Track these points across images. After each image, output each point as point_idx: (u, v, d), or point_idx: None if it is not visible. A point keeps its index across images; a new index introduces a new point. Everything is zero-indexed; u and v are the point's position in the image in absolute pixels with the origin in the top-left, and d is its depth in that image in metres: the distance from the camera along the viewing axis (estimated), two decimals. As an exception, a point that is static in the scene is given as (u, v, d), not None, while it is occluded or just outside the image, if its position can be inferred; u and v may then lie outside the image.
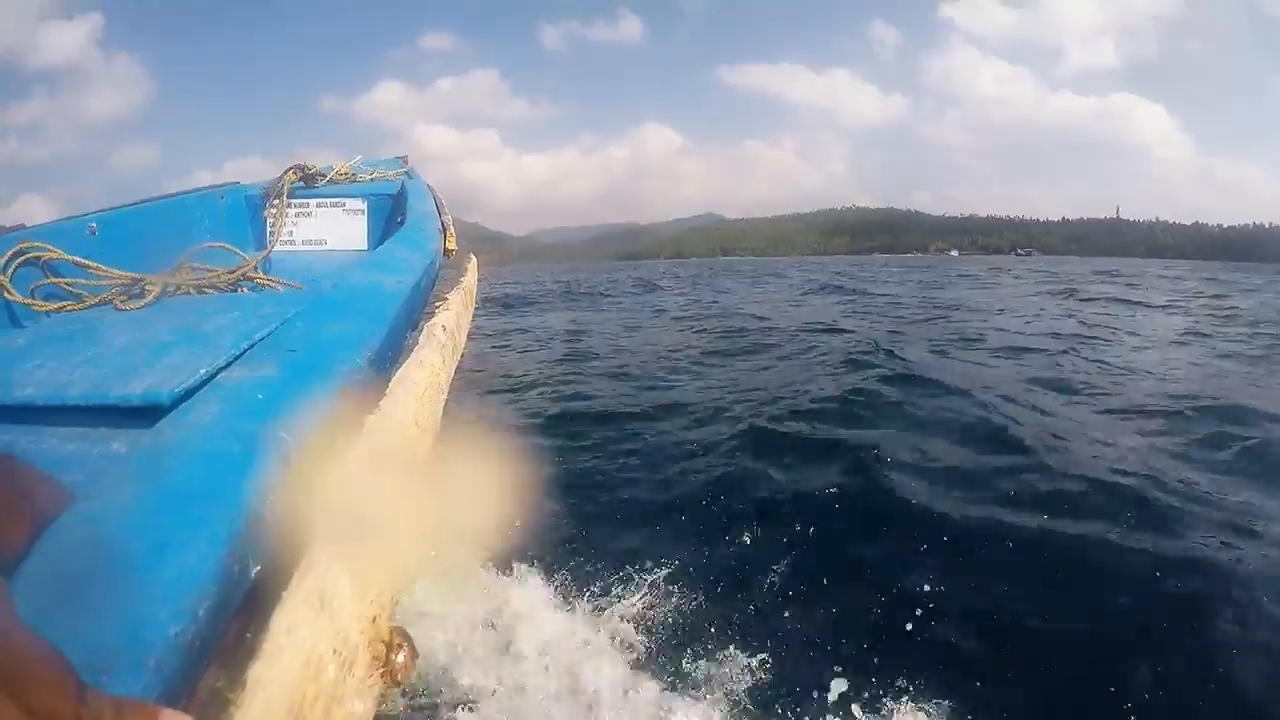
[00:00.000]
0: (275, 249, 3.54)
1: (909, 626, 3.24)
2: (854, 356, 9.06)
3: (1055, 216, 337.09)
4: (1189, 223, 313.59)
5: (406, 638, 1.04)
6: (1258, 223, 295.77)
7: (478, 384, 8.01)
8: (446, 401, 2.00)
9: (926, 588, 3.47)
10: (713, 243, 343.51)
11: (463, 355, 2.44)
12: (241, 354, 1.54)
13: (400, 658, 1.01)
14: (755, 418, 6.24)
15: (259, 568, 0.97)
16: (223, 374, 1.39)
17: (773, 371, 8.98)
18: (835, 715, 2.75)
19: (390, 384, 1.51)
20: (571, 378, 8.62)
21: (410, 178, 4.66)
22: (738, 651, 3.04)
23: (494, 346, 11.00)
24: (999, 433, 5.97)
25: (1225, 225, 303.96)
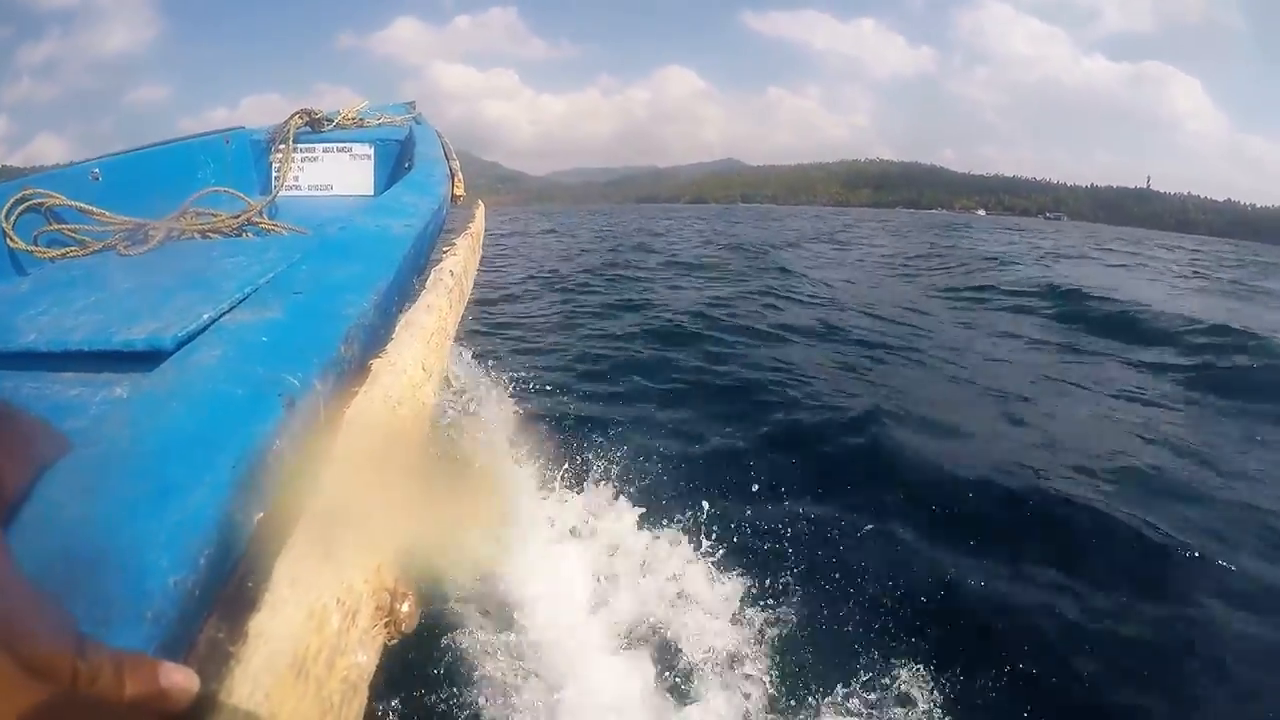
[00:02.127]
0: (281, 194, 3.57)
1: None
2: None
3: (1083, 182, 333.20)
4: (1221, 199, 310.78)
5: (411, 587, 1.04)
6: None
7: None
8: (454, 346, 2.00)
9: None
10: (733, 189, 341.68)
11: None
12: (246, 298, 1.52)
13: (405, 607, 1.00)
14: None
15: (261, 515, 0.96)
16: (226, 317, 1.38)
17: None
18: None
19: (397, 328, 1.52)
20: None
21: (418, 123, 4.66)
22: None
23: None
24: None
25: (1259, 205, 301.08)
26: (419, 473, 1.30)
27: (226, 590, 0.87)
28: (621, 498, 4.34)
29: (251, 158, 4.06)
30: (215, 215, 2.76)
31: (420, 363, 1.48)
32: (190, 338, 1.38)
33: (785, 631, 3.42)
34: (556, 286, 12.96)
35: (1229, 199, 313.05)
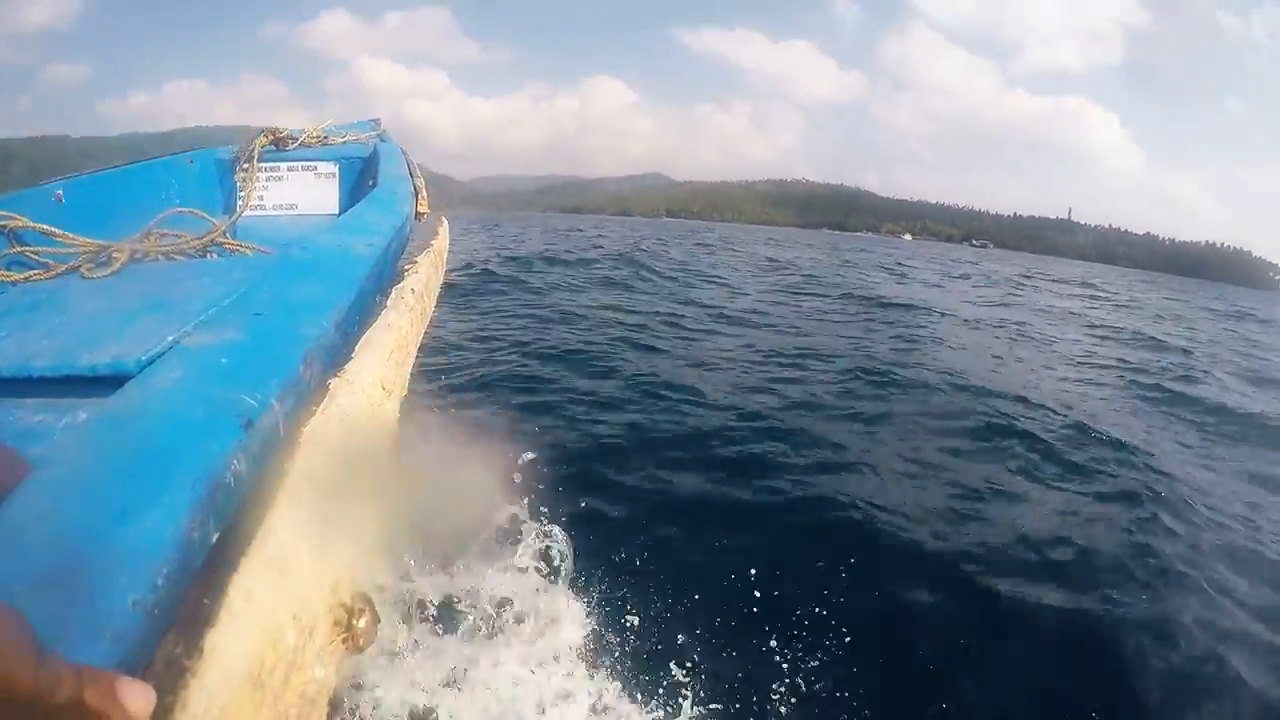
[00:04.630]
0: (245, 213, 3.60)
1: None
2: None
3: (1004, 211, 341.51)
4: (1141, 233, 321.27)
5: (368, 603, 1.06)
6: (1209, 241, 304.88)
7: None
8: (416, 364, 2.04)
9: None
10: (658, 203, 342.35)
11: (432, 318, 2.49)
12: (208, 319, 1.55)
13: (362, 623, 1.03)
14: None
15: (218, 534, 0.98)
16: (188, 339, 1.39)
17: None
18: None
19: (357, 347, 1.55)
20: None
21: (382, 140, 4.68)
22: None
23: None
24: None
25: (1177, 240, 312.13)
26: (379, 491, 1.31)
27: (185, 607, 0.89)
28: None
29: (216, 177, 4.06)
30: (179, 236, 2.80)
31: (380, 381, 1.53)
32: (152, 360, 1.39)
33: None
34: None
35: (1149, 233, 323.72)
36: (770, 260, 26.42)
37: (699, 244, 32.79)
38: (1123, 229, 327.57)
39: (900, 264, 34.50)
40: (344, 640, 1.00)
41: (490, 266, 14.71)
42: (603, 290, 13.06)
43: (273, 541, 0.94)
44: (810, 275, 20.85)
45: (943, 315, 14.67)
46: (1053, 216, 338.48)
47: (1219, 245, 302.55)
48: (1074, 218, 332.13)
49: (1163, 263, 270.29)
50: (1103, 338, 15.19)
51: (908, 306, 15.15)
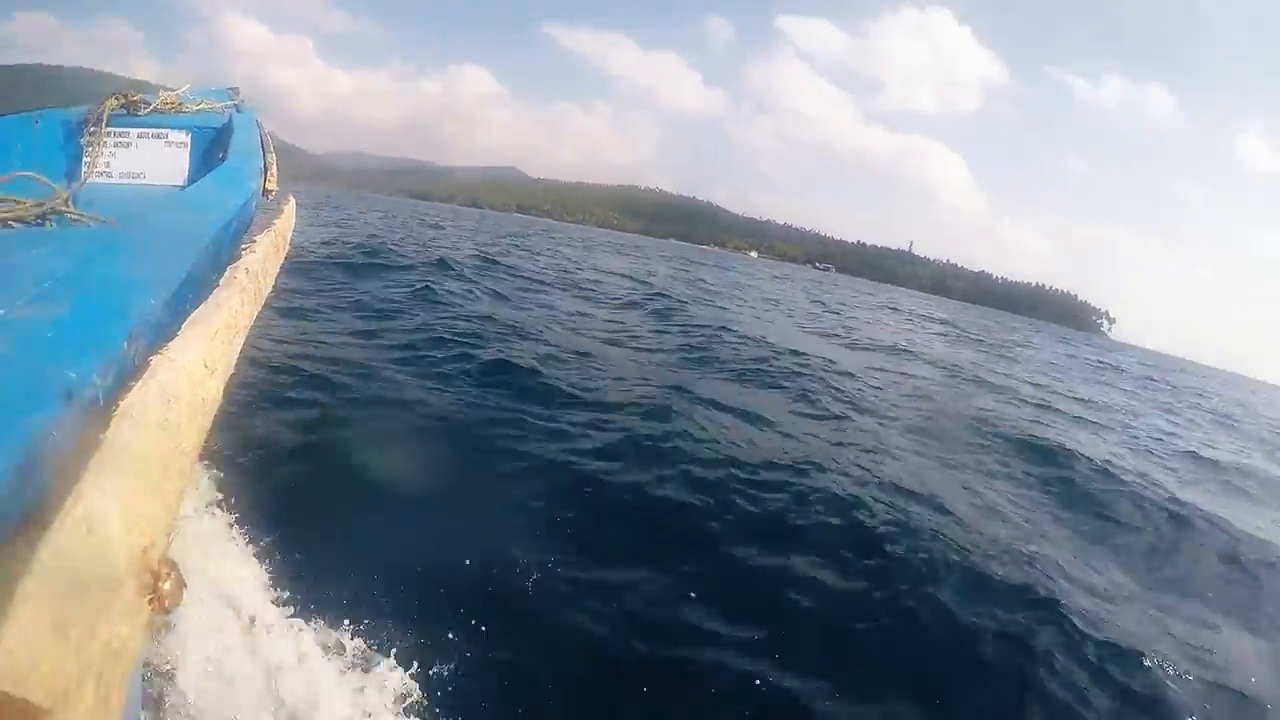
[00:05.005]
0: (90, 181, 3.44)
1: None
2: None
3: (849, 238, 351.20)
4: (976, 270, 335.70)
5: (174, 567, 1.11)
6: (1039, 283, 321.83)
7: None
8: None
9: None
10: (511, 197, 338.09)
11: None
12: (38, 292, 1.53)
13: (167, 585, 1.08)
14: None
15: (33, 499, 1.02)
16: (15, 312, 1.41)
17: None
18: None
19: (185, 325, 1.53)
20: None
21: (239, 111, 4.55)
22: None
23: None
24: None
25: (1008, 279, 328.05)
26: (188, 464, 1.34)
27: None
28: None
29: (62, 140, 3.89)
30: (18, 202, 2.64)
31: (203, 360, 1.47)
32: None
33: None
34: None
35: (983, 271, 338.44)
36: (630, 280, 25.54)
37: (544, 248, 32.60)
38: (959, 265, 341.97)
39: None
40: (150, 601, 1.05)
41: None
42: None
43: (84, 504, 0.99)
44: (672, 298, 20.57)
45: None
46: (895, 247, 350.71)
47: (1048, 288, 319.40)
48: (915, 250, 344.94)
49: (994, 299, 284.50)
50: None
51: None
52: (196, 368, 1.45)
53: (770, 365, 11.80)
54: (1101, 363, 40.29)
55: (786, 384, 10.68)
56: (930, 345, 24.61)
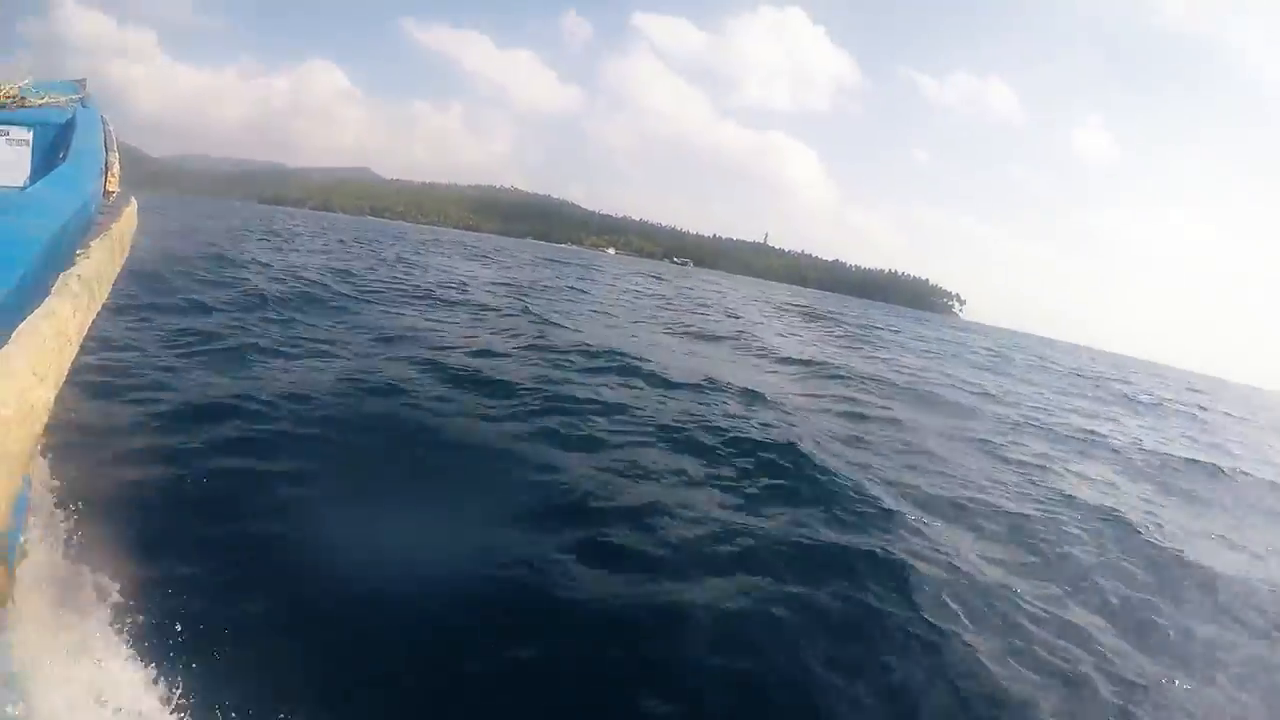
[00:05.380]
0: None
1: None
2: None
3: (705, 231, 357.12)
4: (830, 259, 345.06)
5: (3, 561, 0.99)
6: (892, 269, 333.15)
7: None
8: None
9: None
10: (364, 199, 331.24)
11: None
12: None
13: None
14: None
15: None
16: None
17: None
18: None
19: (14, 333, 1.51)
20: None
21: (84, 106, 4.26)
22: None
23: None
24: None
25: (861, 267, 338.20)
26: (12, 472, 1.31)
27: None
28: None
29: None
30: None
31: (32, 368, 1.45)
32: None
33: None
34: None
35: (837, 259, 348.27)
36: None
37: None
38: (813, 255, 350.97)
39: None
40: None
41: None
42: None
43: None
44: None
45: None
46: (750, 240, 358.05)
47: (900, 273, 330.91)
48: (770, 242, 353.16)
49: (848, 287, 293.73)
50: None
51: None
52: (26, 375, 1.46)
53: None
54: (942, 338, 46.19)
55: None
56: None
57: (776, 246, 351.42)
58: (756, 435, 8.96)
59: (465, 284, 23.14)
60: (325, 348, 10.35)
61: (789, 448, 8.51)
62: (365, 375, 8.94)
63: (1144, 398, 28.86)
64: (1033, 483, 9.73)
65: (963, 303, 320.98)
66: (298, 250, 27.16)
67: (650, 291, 35.83)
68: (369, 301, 15.63)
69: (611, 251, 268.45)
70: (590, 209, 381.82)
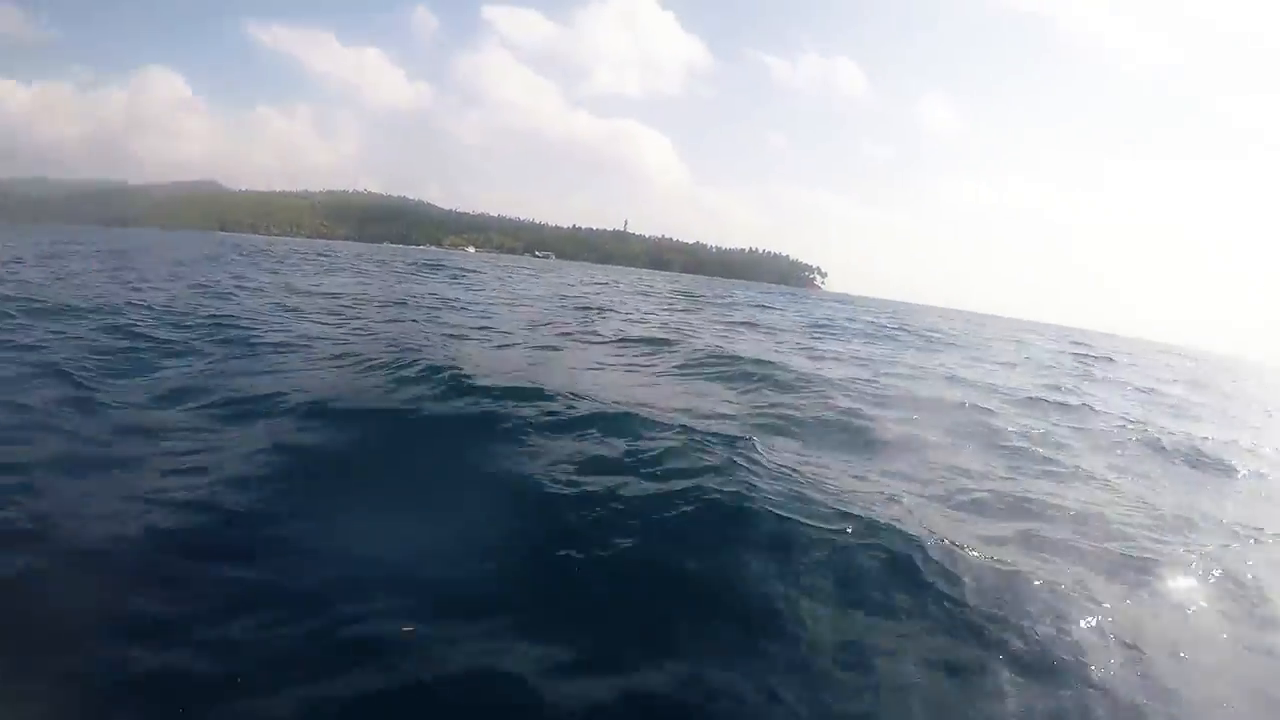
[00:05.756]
0: None
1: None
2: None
3: (564, 223, 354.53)
4: (691, 241, 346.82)
5: None
6: (753, 248, 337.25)
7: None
8: None
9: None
10: (211, 214, 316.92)
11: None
12: None
13: None
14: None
15: None
16: None
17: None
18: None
19: None
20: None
21: None
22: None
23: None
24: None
25: (722, 247, 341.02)
26: None
27: None
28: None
29: None
30: None
31: None
32: None
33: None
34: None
35: (698, 241, 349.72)
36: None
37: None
38: (674, 238, 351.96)
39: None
40: None
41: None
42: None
43: None
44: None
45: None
46: (610, 228, 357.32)
47: (760, 251, 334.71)
48: (630, 229, 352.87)
49: (711, 268, 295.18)
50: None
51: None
52: None
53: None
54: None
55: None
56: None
57: (636, 233, 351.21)
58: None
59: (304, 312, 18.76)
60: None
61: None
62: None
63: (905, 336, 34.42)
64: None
65: (824, 275, 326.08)
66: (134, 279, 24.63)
67: (534, 295, 34.71)
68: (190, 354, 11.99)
69: (472, 250, 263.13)
70: (448, 208, 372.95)
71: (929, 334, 36.68)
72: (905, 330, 36.83)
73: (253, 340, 12.99)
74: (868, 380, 15.76)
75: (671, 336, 19.04)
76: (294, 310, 18.71)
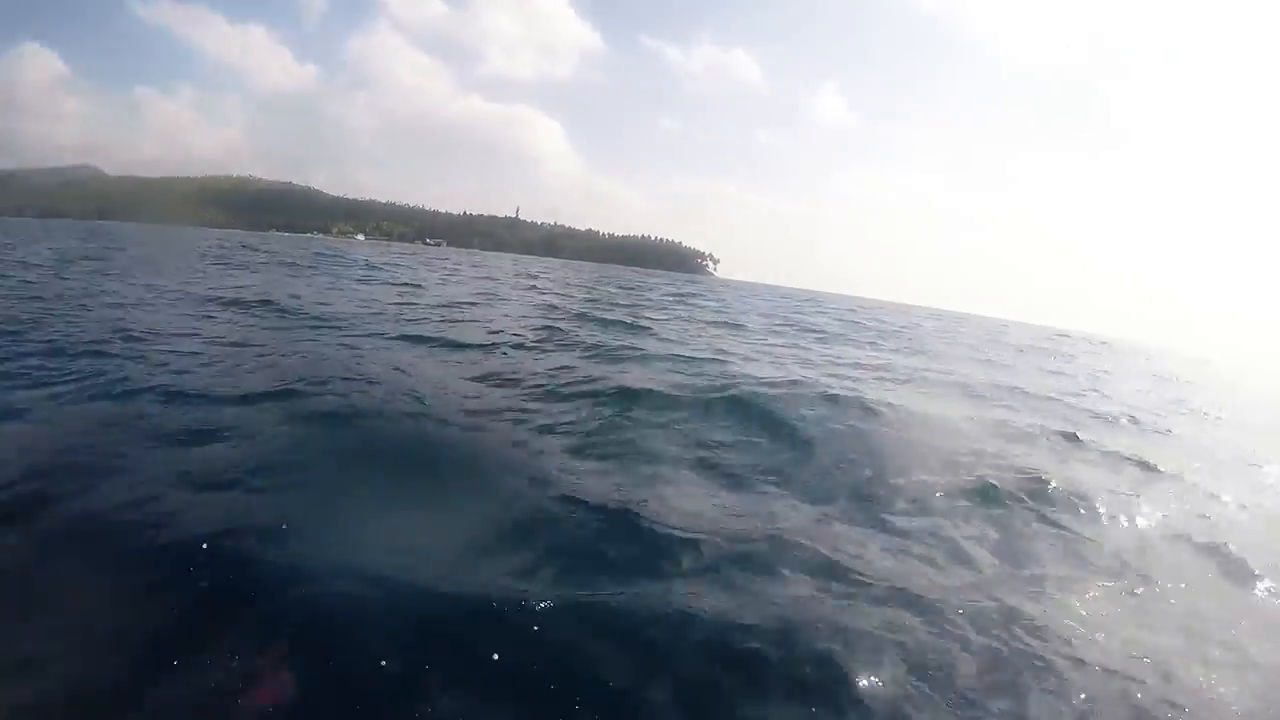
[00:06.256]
0: None
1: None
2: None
3: (456, 210, 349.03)
4: (583, 229, 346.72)
5: None
6: (645, 235, 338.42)
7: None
8: None
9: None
10: (90, 201, 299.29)
11: None
12: None
13: None
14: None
15: None
16: None
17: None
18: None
19: None
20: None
21: None
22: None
23: None
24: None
25: (615, 234, 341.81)
26: None
27: None
28: None
29: None
30: None
31: None
32: None
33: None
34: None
35: (589, 228, 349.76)
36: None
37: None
38: (567, 225, 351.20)
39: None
40: None
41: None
42: None
43: None
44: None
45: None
46: (502, 215, 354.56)
47: (654, 238, 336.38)
48: (522, 216, 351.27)
49: (603, 254, 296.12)
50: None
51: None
52: None
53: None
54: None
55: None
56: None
57: (529, 220, 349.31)
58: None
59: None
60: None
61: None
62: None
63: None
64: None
65: (716, 262, 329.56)
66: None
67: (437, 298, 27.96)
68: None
69: (361, 238, 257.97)
70: (336, 195, 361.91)
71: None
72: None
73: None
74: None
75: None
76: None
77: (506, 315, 22.41)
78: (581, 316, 24.07)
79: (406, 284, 31.90)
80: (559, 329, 18.93)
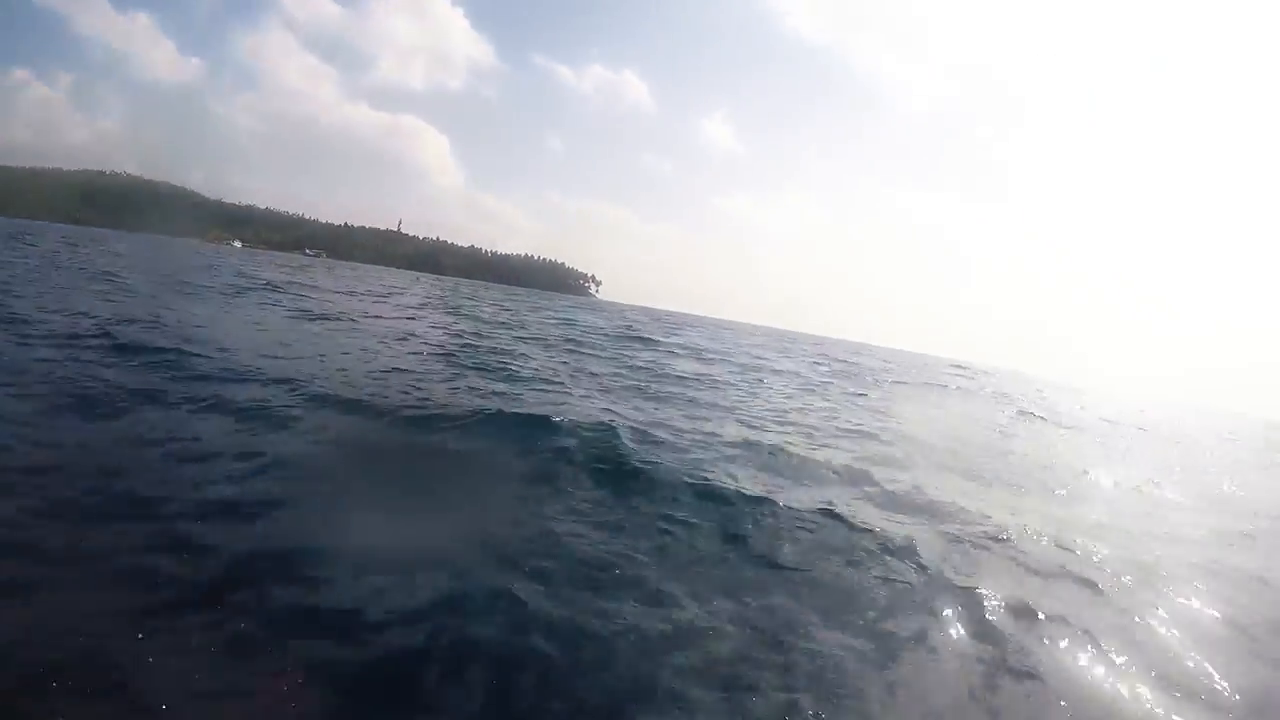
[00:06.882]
0: None
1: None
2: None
3: (336, 220, 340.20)
4: (466, 245, 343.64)
5: None
6: (529, 254, 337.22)
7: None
8: None
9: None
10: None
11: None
12: None
13: None
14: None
15: None
16: None
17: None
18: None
19: None
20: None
21: None
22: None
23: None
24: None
25: (498, 252, 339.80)
26: None
27: None
28: None
29: None
30: None
31: None
32: None
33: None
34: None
35: (473, 245, 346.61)
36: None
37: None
38: (449, 241, 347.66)
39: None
40: None
41: None
42: None
43: None
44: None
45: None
46: (384, 227, 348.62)
47: (537, 257, 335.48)
48: (404, 229, 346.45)
49: (487, 273, 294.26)
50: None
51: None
52: None
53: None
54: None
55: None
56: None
57: (411, 234, 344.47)
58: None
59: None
60: None
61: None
62: None
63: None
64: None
65: (599, 284, 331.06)
66: None
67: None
68: None
69: (238, 244, 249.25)
70: (213, 197, 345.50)
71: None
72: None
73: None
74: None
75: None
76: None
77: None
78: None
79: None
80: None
